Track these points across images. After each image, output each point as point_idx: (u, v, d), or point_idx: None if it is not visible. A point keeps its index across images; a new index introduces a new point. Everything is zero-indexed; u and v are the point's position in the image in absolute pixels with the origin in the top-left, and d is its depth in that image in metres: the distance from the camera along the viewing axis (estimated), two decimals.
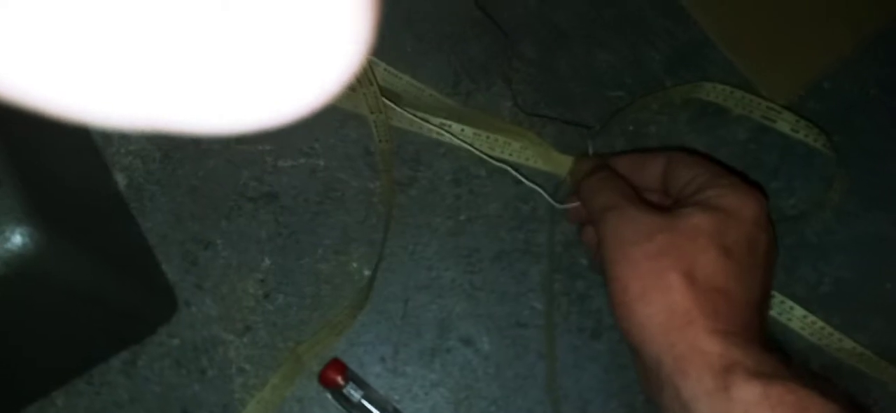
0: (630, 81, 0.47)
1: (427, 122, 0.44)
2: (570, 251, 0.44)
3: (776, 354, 0.30)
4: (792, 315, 0.42)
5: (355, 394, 0.40)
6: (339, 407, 0.41)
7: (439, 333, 0.42)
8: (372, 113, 0.42)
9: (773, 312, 0.41)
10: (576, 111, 0.46)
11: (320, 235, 0.43)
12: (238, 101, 0.09)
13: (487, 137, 0.44)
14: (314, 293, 0.43)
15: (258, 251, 0.43)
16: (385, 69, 0.45)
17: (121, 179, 0.43)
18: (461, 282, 0.43)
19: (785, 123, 0.44)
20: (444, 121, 0.44)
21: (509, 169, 0.43)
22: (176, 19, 0.08)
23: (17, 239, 0.26)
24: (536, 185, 0.43)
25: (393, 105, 0.43)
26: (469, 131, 0.44)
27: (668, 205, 0.37)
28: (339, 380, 0.40)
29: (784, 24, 0.48)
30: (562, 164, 0.44)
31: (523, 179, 0.43)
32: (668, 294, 0.31)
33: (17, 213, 0.26)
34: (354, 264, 0.43)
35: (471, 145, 0.44)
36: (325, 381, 0.40)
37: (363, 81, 0.41)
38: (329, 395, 0.41)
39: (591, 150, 0.42)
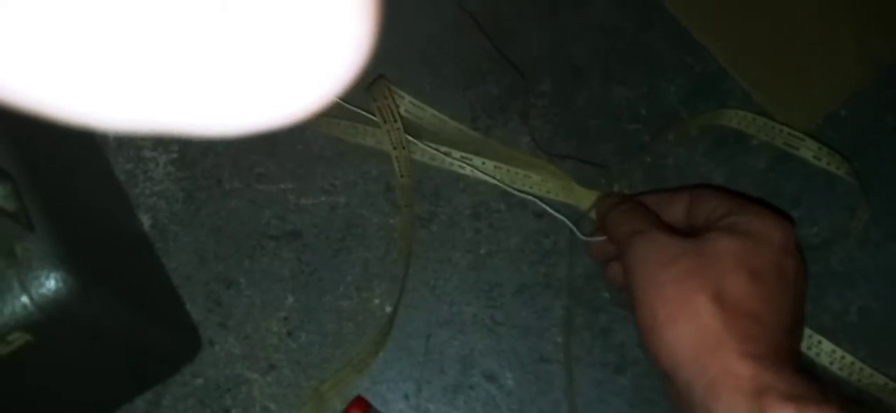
0: (646, 114, 0.47)
1: (449, 155, 0.44)
2: (592, 284, 0.44)
3: (808, 378, 0.30)
4: (820, 349, 0.41)
5: None
6: None
7: (462, 369, 0.42)
8: (394, 148, 0.43)
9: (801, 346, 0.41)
10: (593, 144, 0.46)
11: (342, 272, 0.44)
12: (239, 102, 0.09)
13: (508, 170, 0.44)
14: (337, 330, 0.43)
15: (281, 289, 0.43)
16: (411, 102, 0.45)
17: (145, 220, 0.43)
18: (483, 317, 0.43)
19: (808, 151, 0.44)
20: (465, 155, 0.44)
21: (535, 199, 0.43)
22: (175, 19, 0.08)
23: (51, 284, 0.26)
24: (559, 215, 0.43)
25: (415, 140, 0.44)
26: (490, 165, 0.44)
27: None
28: None
29: (800, 54, 0.48)
30: (583, 198, 0.44)
31: (548, 209, 0.43)
32: (698, 317, 0.31)
33: (52, 258, 0.26)
34: (376, 301, 0.43)
35: (492, 177, 0.44)
36: None
37: (388, 118, 0.42)
38: None
39: (616, 188, 0.42)
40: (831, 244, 0.44)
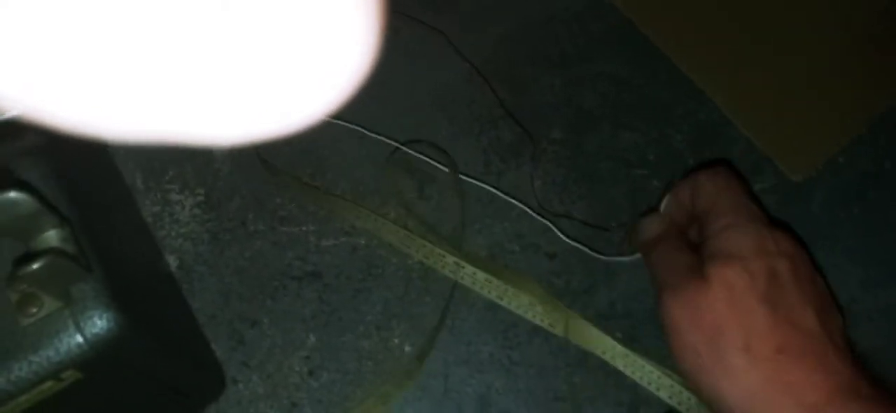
0: (654, 159, 0.49)
1: (444, 257, 0.45)
2: (604, 325, 0.45)
3: (863, 389, 0.31)
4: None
5: None
6: None
7: (480, 409, 0.43)
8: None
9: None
10: (604, 188, 0.48)
11: (362, 312, 0.45)
12: (241, 108, 0.09)
13: (498, 285, 0.45)
14: (357, 369, 0.44)
15: (303, 329, 0.44)
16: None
17: (172, 261, 0.44)
18: (500, 357, 0.44)
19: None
20: (459, 261, 0.45)
21: (553, 227, 0.45)
22: (174, 20, 0.08)
23: (103, 323, 0.27)
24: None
25: (412, 234, 0.45)
26: (481, 276, 0.45)
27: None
28: None
29: (799, 103, 0.50)
30: (563, 323, 0.44)
31: (566, 239, 0.44)
32: (738, 379, 0.32)
33: (104, 298, 0.27)
34: (396, 340, 0.44)
35: (480, 291, 0.45)
36: None
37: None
38: None
39: (663, 208, 0.42)
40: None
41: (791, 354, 0.32)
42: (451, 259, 0.45)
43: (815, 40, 0.52)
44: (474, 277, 0.45)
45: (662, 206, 0.42)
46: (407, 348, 0.44)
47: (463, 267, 0.45)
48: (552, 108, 0.50)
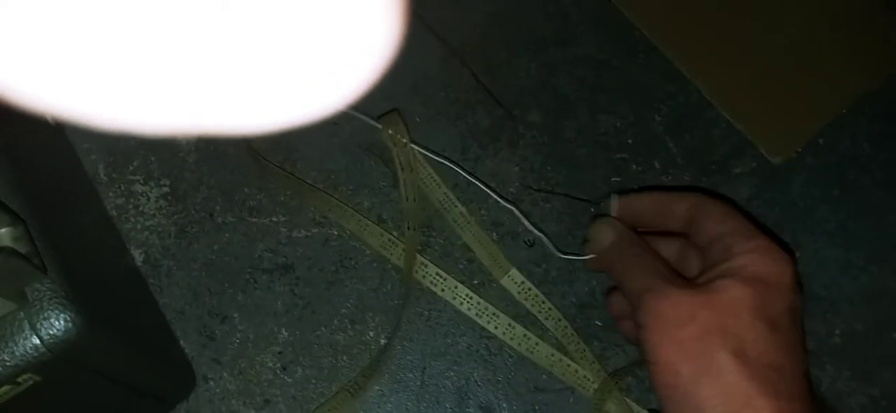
0: (633, 143, 0.48)
1: (455, 289, 0.44)
2: (584, 313, 0.44)
3: None
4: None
5: None
6: None
7: (458, 402, 0.42)
8: (402, 170, 0.43)
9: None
10: (582, 172, 0.47)
11: (336, 305, 0.44)
12: (245, 104, 0.09)
13: (510, 325, 0.44)
14: (332, 365, 0.42)
15: (275, 323, 0.43)
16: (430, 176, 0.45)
17: (137, 255, 0.42)
18: (477, 347, 0.43)
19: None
20: (470, 293, 0.44)
21: (518, 214, 0.44)
22: (174, 20, 0.08)
23: (60, 324, 0.26)
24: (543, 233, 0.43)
25: (424, 260, 0.44)
26: (462, 291, 0.44)
27: (696, 270, 0.36)
28: None
29: (779, 85, 0.50)
30: (578, 376, 0.43)
31: (530, 226, 0.42)
32: (723, 376, 0.31)
33: (61, 299, 0.26)
34: (371, 333, 0.43)
35: (458, 306, 0.44)
36: None
37: (398, 142, 0.42)
38: None
39: (614, 212, 0.41)
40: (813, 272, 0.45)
41: (783, 375, 0.31)
42: (432, 269, 0.44)
43: (796, 21, 0.51)
44: (455, 291, 0.44)
45: (612, 210, 0.41)
46: (382, 341, 0.43)
47: (444, 278, 0.44)
48: (529, 92, 0.49)
